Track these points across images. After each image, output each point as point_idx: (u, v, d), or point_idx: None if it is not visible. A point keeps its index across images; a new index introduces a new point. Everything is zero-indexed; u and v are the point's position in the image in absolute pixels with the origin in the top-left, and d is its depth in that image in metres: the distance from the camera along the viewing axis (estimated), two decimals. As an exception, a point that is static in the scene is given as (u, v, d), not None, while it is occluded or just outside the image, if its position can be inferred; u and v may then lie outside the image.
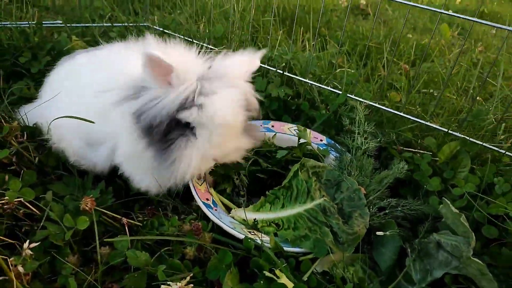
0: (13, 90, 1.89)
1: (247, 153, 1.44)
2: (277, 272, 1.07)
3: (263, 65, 2.02)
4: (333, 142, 1.75)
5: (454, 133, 1.70)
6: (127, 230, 1.28)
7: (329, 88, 1.91)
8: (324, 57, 2.42)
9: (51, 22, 2.21)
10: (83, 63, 1.54)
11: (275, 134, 1.72)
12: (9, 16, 2.20)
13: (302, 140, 1.66)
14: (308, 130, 1.68)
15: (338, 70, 2.14)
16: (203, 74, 1.24)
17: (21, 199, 1.23)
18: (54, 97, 1.45)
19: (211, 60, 1.32)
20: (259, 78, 1.98)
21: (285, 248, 1.24)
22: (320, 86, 1.94)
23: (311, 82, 1.94)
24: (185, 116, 1.20)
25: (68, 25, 2.18)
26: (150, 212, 1.39)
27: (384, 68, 2.42)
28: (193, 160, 1.24)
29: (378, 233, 1.37)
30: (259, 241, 1.20)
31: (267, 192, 1.47)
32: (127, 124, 1.28)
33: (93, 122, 1.31)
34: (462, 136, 1.66)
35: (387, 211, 1.43)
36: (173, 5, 2.61)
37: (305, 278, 1.16)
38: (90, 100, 1.38)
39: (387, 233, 1.36)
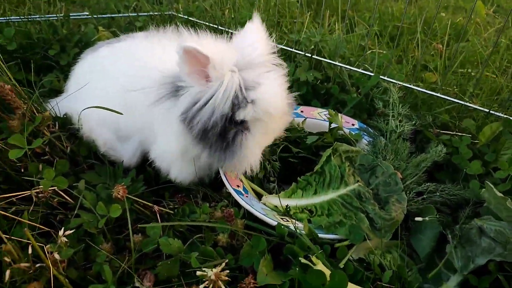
0: (43, 83, 1.92)
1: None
2: (313, 258, 1.03)
3: (290, 49, 1.97)
4: (365, 126, 1.69)
5: (496, 113, 1.61)
6: (158, 218, 1.28)
7: (360, 70, 1.84)
8: (353, 39, 2.34)
9: (78, 14, 2.23)
10: (106, 55, 1.54)
11: (305, 119, 1.67)
12: (37, 10, 2.23)
13: (333, 125, 1.61)
14: (339, 114, 1.62)
15: (369, 52, 2.05)
16: (237, 62, 1.19)
17: (55, 187, 1.24)
18: (79, 90, 1.46)
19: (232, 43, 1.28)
20: (287, 63, 1.93)
21: (319, 235, 1.20)
22: (350, 69, 1.87)
23: (341, 64, 1.88)
24: (243, 115, 1.19)
25: (94, 16, 2.19)
26: (181, 200, 1.38)
27: (417, 49, 2.31)
28: (256, 153, 1.28)
29: (417, 218, 1.31)
30: (292, 228, 1.17)
31: (298, 178, 1.43)
32: (168, 125, 1.29)
33: (121, 114, 1.31)
34: (505, 116, 1.56)
35: (425, 196, 1.36)
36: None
37: (341, 265, 1.12)
38: (114, 94, 1.39)
39: (426, 218, 1.31)
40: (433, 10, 3.06)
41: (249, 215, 1.28)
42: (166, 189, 1.47)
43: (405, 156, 1.46)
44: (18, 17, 2.12)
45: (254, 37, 1.25)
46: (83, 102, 1.38)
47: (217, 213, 1.26)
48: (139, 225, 1.18)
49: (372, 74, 1.80)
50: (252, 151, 1.26)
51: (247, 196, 1.34)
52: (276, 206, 1.35)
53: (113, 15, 2.25)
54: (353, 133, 1.63)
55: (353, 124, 1.71)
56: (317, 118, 1.73)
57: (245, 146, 1.24)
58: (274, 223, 1.21)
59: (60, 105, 1.56)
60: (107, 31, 2.07)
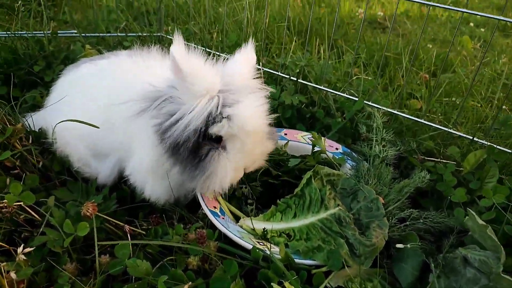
0: (26, 98, 1.89)
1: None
2: (287, 285, 0.97)
3: (276, 72, 1.97)
4: (349, 150, 1.66)
5: (480, 141, 1.59)
6: (129, 238, 1.22)
7: (345, 95, 1.83)
8: (340, 66, 2.36)
9: (66, 32, 2.23)
10: (87, 72, 1.52)
11: (287, 142, 1.64)
12: (26, 28, 2.22)
13: (316, 148, 1.58)
14: (322, 138, 1.59)
15: (354, 78, 2.06)
16: (220, 86, 1.20)
17: (21, 203, 1.18)
18: (58, 103, 1.44)
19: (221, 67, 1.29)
20: (273, 86, 1.92)
21: (296, 260, 1.15)
22: (335, 93, 1.87)
23: (326, 89, 1.87)
24: (217, 130, 1.18)
25: (83, 34, 2.19)
26: (155, 220, 1.32)
27: (402, 78, 2.33)
28: (228, 172, 1.23)
29: (398, 245, 1.26)
30: (267, 252, 1.11)
31: (278, 201, 1.39)
32: (146, 139, 1.26)
33: (97, 127, 1.28)
34: (489, 144, 1.55)
35: (408, 222, 1.32)
36: (187, 15, 2.60)
37: (317, 292, 1.06)
38: (95, 110, 1.37)
39: (408, 246, 1.26)
40: (420, 42, 3.13)
41: (225, 238, 1.23)
42: (141, 209, 1.41)
43: (388, 181, 1.43)
44: (5, 32, 2.11)
45: (243, 64, 1.26)
46: (61, 117, 1.34)
47: (191, 235, 1.20)
48: (104, 243, 1.12)
49: (357, 99, 1.79)
50: (223, 169, 1.22)
51: (223, 218, 1.29)
52: (253, 229, 1.30)
53: (101, 34, 2.25)
54: (337, 157, 1.61)
55: (336, 148, 1.68)
56: (300, 141, 1.71)
57: (216, 163, 1.20)
58: (250, 246, 1.15)
59: (37, 120, 1.53)
60: (94, 49, 2.06)
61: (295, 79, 1.89)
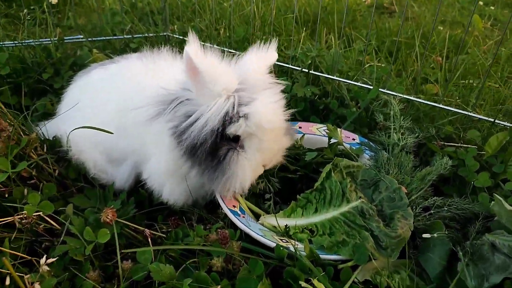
0: (37, 107, 1.89)
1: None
2: (315, 282, 0.95)
3: (286, 65, 1.93)
4: (366, 140, 1.63)
5: (501, 122, 1.54)
6: (150, 242, 1.20)
7: (358, 84, 1.79)
8: (351, 55, 2.31)
9: (72, 37, 2.22)
10: (98, 77, 1.51)
11: (303, 136, 1.61)
12: (33, 36, 2.22)
13: (333, 140, 1.55)
14: (338, 129, 1.56)
15: (367, 65, 2.02)
16: (236, 85, 1.18)
17: (40, 213, 1.17)
18: (70, 110, 1.43)
19: (235, 64, 1.27)
20: (284, 79, 1.89)
21: (321, 256, 1.12)
22: (348, 83, 1.83)
23: (339, 78, 1.83)
24: (234, 130, 1.16)
25: (89, 39, 2.18)
26: (174, 223, 1.31)
27: (416, 62, 2.27)
28: (248, 172, 1.21)
29: (425, 235, 1.23)
30: (292, 249, 1.09)
31: (298, 196, 1.36)
32: (163, 142, 1.25)
33: (111, 133, 1.27)
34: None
35: (432, 211, 1.29)
36: (192, 13, 2.58)
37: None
38: (107, 116, 1.36)
39: (435, 235, 1.22)
40: (430, 25, 3.05)
41: (246, 237, 1.21)
42: (159, 212, 1.40)
43: (409, 170, 1.39)
44: (12, 42, 2.11)
45: (257, 60, 1.24)
46: (74, 124, 1.33)
47: (212, 236, 1.18)
48: (126, 250, 1.10)
49: (371, 87, 1.75)
50: (243, 169, 1.20)
51: (243, 217, 1.27)
52: (274, 227, 1.27)
53: (107, 38, 2.24)
54: (354, 148, 1.57)
55: (353, 139, 1.65)
56: (316, 134, 1.68)
57: (235, 163, 1.19)
58: (273, 244, 1.13)
59: (50, 128, 1.52)
60: (101, 53, 2.05)
61: (307, 70, 1.85)
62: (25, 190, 1.22)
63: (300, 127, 1.69)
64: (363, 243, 1.14)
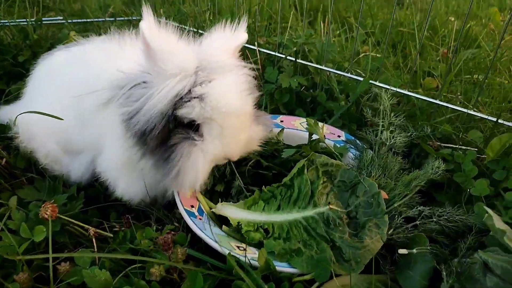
0: (11, 90, 1.79)
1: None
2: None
3: (273, 53, 1.77)
4: (353, 138, 1.46)
5: (506, 123, 1.36)
6: (94, 243, 1.08)
7: (349, 75, 1.62)
8: (350, 46, 2.14)
9: (51, 18, 2.11)
10: (61, 60, 1.41)
11: (282, 130, 1.45)
12: (10, 16, 2.11)
13: (314, 136, 1.39)
14: (321, 124, 1.40)
15: (361, 55, 1.84)
16: (194, 64, 1.05)
17: (-25, 205, 1.06)
18: (34, 94, 1.36)
19: (198, 44, 1.13)
20: (270, 68, 1.74)
21: (278, 268, 0.98)
22: (338, 73, 1.66)
23: (328, 68, 1.67)
24: (186, 112, 1.02)
25: (69, 21, 2.06)
26: (128, 222, 1.18)
27: (416, 50, 2.08)
28: (200, 167, 1.07)
29: (401, 251, 1.07)
30: (244, 258, 0.95)
31: (263, 188, 1.23)
32: (114, 129, 1.13)
33: (61, 119, 1.16)
34: (517, 126, 1.32)
35: (417, 222, 1.12)
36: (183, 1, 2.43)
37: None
38: (68, 102, 1.25)
39: (414, 251, 1.07)
40: (441, 16, 2.84)
41: (201, 243, 1.08)
42: (115, 209, 1.28)
43: (394, 173, 1.23)
44: (-14, 22, 2.01)
45: (221, 41, 1.12)
46: (36, 109, 1.20)
47: (161, 238, 1.05)
48: (58, 255, 0.98)
49: (361, 79, 1.58)
50: (195, 162, 1.06)
51: (200, 219, 1.13)
52: (234, 231, 1.13)
53: (88, 20, 2.11)
54: (338, 145, 1.41)
55: (339, 136, 1.49)
56: (298, 128, 1.52)
57: (186, 155, 1.05)
58: (226, 251, 1.00)
59: (13, 112, 1.41)
60: (78, 35, 1.93)
61: (293, 59, 1.69)
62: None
63: (281, 121, 1.54)
64: (324, 256, 0.99)
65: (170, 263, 0.94)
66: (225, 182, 1.27)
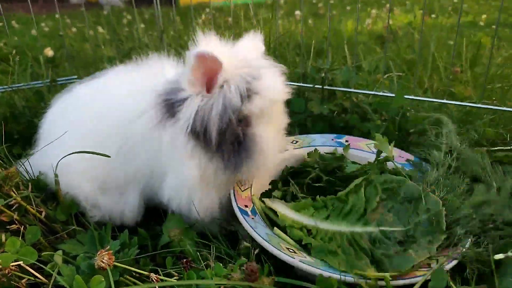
0: (29, 154, 1.71)
1: None
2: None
3: (297, 84, 1.77)
4: (420, 161, 1.37)
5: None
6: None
7: (381, 93, 1.61)
8: (361, 74, 2.17)
9: (66, 78, 2.09)
10: (81, 94, 1.33)
11: (347, 145, 1.43)
12: (24, 80, 2.09)
13: (382, 155, 1.30)
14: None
15: (386, 76, 1.85)
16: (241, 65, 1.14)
17: (21, 262, 0.94)
18: (52, 137, 1.23)
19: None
20: (296, 99, 1.72)
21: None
22: (368, 93, 1.65)
23: (358, 90, 1.66)
24: (253, 106, 1.11)
25: (84, 79, 2.05)
26: (187, 266, 1.06)
27: (432, 76, 2.12)
28: (271, 143, 1.17)
29: (497, 256, 0.98)
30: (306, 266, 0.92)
31: (317, 197, 1.21)
32: (177, 148, 1.12)
33: (108, 156, 1.09)
34: None
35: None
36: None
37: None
38: (101, 136, 1.18)
39: (510, 253, 0.98)
40: (442, 40, 2.96)
41: (277, 272, 0.97)
42: (166, 255, 1.16)
43: (460, 194, 1.15)
44: (1, 87, 1.97)
45: (252, 47, 1.22)
46: (64, 152, 1.12)
47: (235, 275, 0.94)
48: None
49: (393, 95, 1.57)
50: (267, 144, 1.15)
51: (253, 218, 1.11)
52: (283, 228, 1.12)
53: (103, 77, 2.10)
54: (406, 169, 1.31)
55: (408, 160, 1.38)
56: (363, 149, 1.45)
57: (259, 139, 1.14)
58: (276, 251, 0.99)
59: (32, 164, 1.32)
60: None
61: (321, 86, 1.68)
62: (3, 236, 0.99)
63: (347, 141, 1.48)
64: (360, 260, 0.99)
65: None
66: (283, 190, 1.30)
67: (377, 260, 1.01)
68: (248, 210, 1.16)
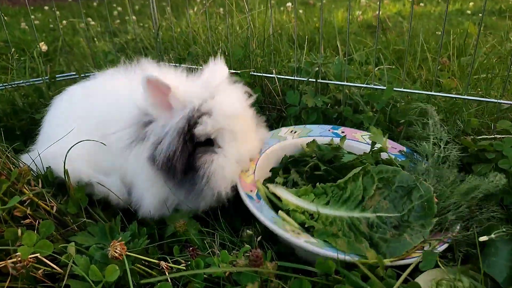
0: (29, 149, 1.75)
1: None
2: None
3: (291, 77, 1.83)
4: (412, 152, 1.44)
5: (537, 106, 1.42)
6: (168, 277, 1.03)
7: (372, 86, 1.68)
8: (352, 66, 2.23)
9: (65, 74, 2.12)
10: (77, 94, 1.48)
11: (344, 137, 1.49)
12: (23, 78, 2.12)
13: (376, 146, 1.38)
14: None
15: (377, 69, 1.92)
16: (199, 92, 1.21)
17: (38, 255, 1.00)
18: (52, 132, 1.37)
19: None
20: (290, 92, 1.78)
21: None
22: (360, 86, 1.72)
23: (350, 83, 1.73)
24: (201, 128, 1.15)
25: (82, 75, 2.09)
26: (194, 253, 1.14)
27: (422, 66, 2.19)
28: (226, 170, 1.19)
29: (481, 238, 1.07)
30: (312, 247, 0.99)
31: (317, 184, 1.28)
32: (145, 170, 1.22)
33: (104, 144, 1.23)
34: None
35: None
36: (187, 45, 2.52)
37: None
38: (92, 129, 1.29)
39: (493, 235, 1.07)
40: (430, 30, 3.03)
41: (279, 258, 1.05)
42: (174, 244, 1.23)
43: (449, 183, 1.23)
44: (1, 85, 2.00)
45: (215, 72, 1.27)
46: (67, 145, 1.22)
47: (240, 261, 1.01)
48: (143, 281, 0.93)
49: (384, 87, 1.64)
50: (221, 164, 1.18)
51: (258, 202, 1.18)
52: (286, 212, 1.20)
53: (101, 72, 2.14)
54: (400, 159, 1.38)
55: (400, 151, 1.45)
56: (359, 140, 1.52)
57: (211, 164, 1.17)
58: (283, 233, 1.05)
59: (36, 159, 1.38)
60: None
61: (314, 79, 1.74)
62: (19, 231, 1.05)
63: (343, 132, 1.56)
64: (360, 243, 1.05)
65: (267, 272, 0.90)
66: (283, 177, 1.38)
67: (375, 244, 1.08)
68: (253, 194, 1.22)
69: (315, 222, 1.17)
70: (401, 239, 1.07)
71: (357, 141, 1.51)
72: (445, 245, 1.07)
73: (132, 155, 1.23)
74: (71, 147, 1.19)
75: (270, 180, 1.40)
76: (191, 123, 1.15)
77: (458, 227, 1.12)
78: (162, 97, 1.15)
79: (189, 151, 1.17)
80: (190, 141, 1.17)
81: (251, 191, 1.23)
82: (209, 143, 1.20)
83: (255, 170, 1.34)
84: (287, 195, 1.25)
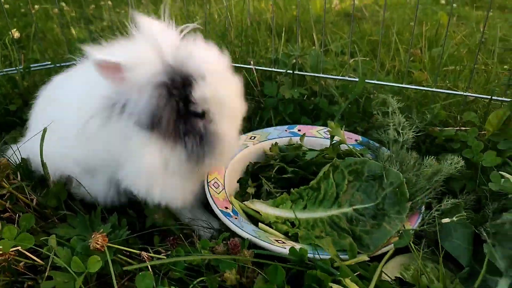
0: (6, 140, 1.74)
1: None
2: (347, 282, 0.84)
3: (269, 69, 1.86)
4: (367, 140, 1.53)
5: (499, 98, 1.51)
6: (149, 266, 1.07)
7: (347, 78, 1.73)
8: (329, 57, 2.28)
9: (40, 64, 2.09)
10: (59, 84, 1.44)
11: (303, 135, 1.52)
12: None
13: (335, 139, 1.44)
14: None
15: (352, 60, 1.97)
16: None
17: (19, 247, 1.02)
18: (39, 124, 1.33)
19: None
20: (268, 83, 1.82)
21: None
22: (335, 78, 1.77)
23: (326, 75, 1.77)
24: (199, 94, 1.10)
25: (57, 65, 2.06)
26: (174, 243, 1.18)
27: (395, 57, 2.26)
28: (233, 133, 1.21)
29: (444, 220, 1.15)
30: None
31: (291, 190, 1.32)
32: (130, 138, 1.15)
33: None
34: (510, 99, 1.47)
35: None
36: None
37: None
38: (72, 123, 1.22)
39: (455, 218, 1.15)
40: (400, 24, 3.10)
41: (255, 246, 1.10)
42: (154, 234, 1.26)
43: (411, 167, 1.30)
44: (-27, 75, 1.96)
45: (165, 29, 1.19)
46: (48, 141, 1.21)
47: (219, 248, 1.06)
48: (124, 268, 0.97)
49: (357, 79, 1.70)
50: (229, 140, 1.18)
51: (236, 218, 1.20)
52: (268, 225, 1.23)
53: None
54: (358, 148, 1.45)
55: (356, 140, 1.53)
56: (316, 136, 1.58)
57: (219, 129, 1.15)
58: (268, 245, 1.06)
59: (23, 148, 1.39)
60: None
61: (291, 71, 1.78)
62: (-1, 224, 1.06)
63: (299, 130, 1.60)
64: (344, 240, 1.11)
65: (244, 259, 0.95)
66: (253, 186, 1.39)
67: (358, 237, 1.13)
68: (229, 211, 1.23)
69: (297, 229, 1.19)
70: (381, 229, 1.13)
71: (315, 137, 1.56)
72: (417, 224, 1.14)
73: (118, 130, 1.15)
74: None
75: (241, 191, 1.42)
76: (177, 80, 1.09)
77: (422, 209, 1.19)
78: (118, 75, 1.07)
79: (190, 120, 1.13)
80: (182, 101, 1.11)
81: (226, 208, 1.24)
82: (198, 116, 1.15)
83: (224, 185, 1.35)
84: (266, 209, 1.28)
